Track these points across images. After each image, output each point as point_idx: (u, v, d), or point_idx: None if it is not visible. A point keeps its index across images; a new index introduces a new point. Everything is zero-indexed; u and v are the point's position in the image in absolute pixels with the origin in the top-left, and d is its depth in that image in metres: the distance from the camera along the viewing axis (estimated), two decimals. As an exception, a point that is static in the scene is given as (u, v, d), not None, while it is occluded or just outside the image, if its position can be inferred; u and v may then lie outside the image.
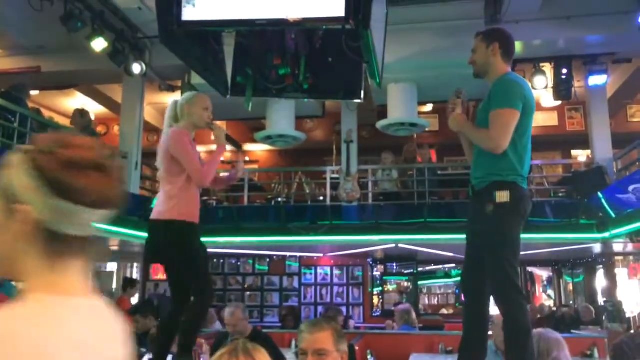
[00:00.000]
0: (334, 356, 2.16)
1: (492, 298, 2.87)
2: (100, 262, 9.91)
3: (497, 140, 2.82)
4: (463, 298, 3.14)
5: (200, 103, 3.40)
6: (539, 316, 9.37)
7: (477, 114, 3.07)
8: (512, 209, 2.81)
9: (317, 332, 2.17)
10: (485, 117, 2.91)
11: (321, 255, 10.51)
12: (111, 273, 9.93)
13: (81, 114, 7.89)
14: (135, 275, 9.82)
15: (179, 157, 3.21)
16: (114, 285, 9.69)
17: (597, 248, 8.83)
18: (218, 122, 3.55)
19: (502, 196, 2.80)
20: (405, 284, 10.96)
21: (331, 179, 9.04)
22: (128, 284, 7.89)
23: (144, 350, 4.00)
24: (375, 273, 10.87)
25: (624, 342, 4.29)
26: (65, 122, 8.31)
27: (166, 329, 3.29)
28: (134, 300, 8.18)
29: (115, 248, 9.24)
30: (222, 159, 3.52)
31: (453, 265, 11.76)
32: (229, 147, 3.65)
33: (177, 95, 9.54)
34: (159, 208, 3.25)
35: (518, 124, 2.85)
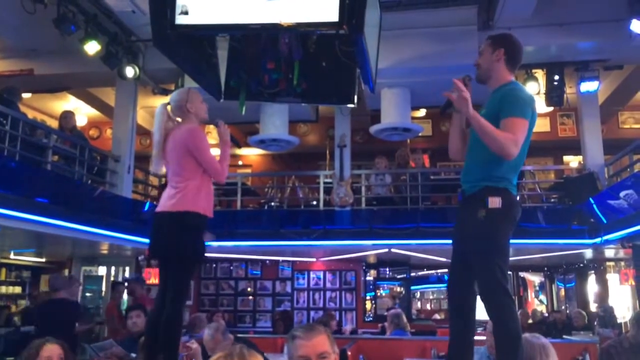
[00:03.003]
0: (332, 358, 2.13)
1: (481, 303, 2.87)
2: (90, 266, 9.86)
3: (518, 146, 2.76)
4: (449, 303, 3.11)
5: (197, 97, 3.41)
6: (530, 321, 9.40)
7: None
8: (503, 214, 2.81)
9: (316, 336, 2.12)
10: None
11: (314, 259, 10.49)
12: (101, 277, 9.86)
13: (71, 114, 7.99)
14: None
15: (199, 154, 3.22)
16: (104, 289, 9.61)
17: (588, 253, 8.87)
18: (210, 126, 3.55)
19: (494, 202, 2.79)
20: (398, 288, 10.96)
21: (324, 183, 9.04)
22: (112, 287, 7.95)
23: (134, 355, 3.97)
24: (368, 278, 10.87)
25: (612, 346, 4.32)
26: (57, 125, 8.26)
27: (153, 328, 3.22)
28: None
29: (105, 252, 9.19)
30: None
31: (446, 270, 11.76)
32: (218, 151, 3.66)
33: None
34: (178, 199, 3.18)
35: None
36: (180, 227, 3.16)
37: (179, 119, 3.38)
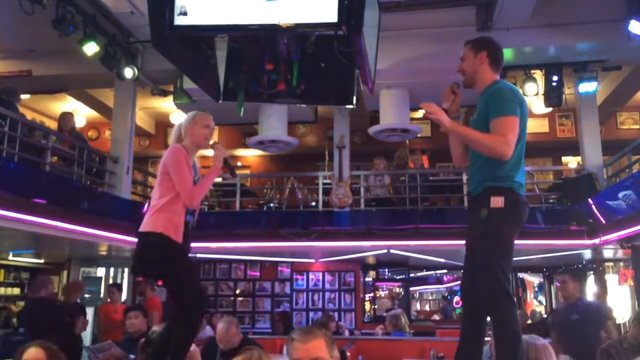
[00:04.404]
0: None
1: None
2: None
3: (510, 144, 2.76)
4: (462, 304, 3.11)
5: (201, 121, 3.40)
6: (529, 322, 9.39)
7: (471, 125, 3.03)
8: (506, 214, 2.81)
9: (311, 340, 2.12)
10: (480, 129, 2.88)
11: (313, 260, 10.48)
12: (100, 278, 9.84)
13: (70, 115, 8.02)
14: (125, 280, 9.73)
15: (171, 173, 3.21)
16: (102, 291, 9.59)
17: (587, 254, 8.87)
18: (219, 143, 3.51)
19: (497, 202, 2.79)
20: (397, 289, 10.96)
21: (323, 184, 9.04)
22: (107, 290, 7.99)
23: (132, 356, 3.96)
24: (367, 279, 10.86)
25: (611, 346, 4.32)
26: (56, 126, 8.26)
27: (162, 336, 3.25)
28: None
29: (104, 253, 9.17)
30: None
31: (445, 271, 11.78)
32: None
33: (168, 100, 9.54)
34: (145, 220, 3.26)
35: None
36: (142, 247, 3.21)
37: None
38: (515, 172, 2.88)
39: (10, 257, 11.44)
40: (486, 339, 3.35)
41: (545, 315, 10.48)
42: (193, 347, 3.75)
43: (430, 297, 12.11)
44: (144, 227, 3.21)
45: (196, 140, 3.37)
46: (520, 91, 8.27)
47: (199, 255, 9.29)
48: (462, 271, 3.09)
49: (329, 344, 2.15)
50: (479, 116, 2.95)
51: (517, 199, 2.86)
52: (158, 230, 3.13)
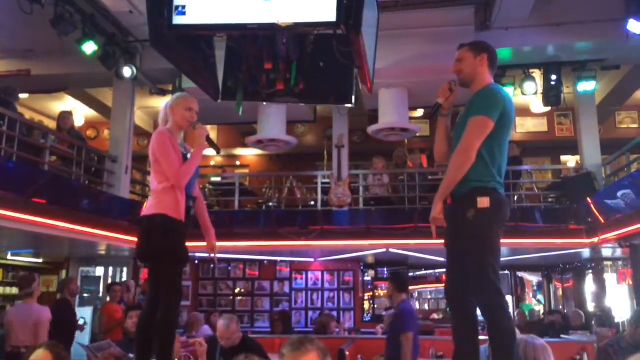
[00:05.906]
0: None
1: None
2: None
3: (470, 151, 2.86)
4: (450, 307, 3.09)
5: (183, 103, 3.44)
6: (528, 319, 9.40)
7: (456, 124, 3.10)
8: (493, 214, 2.86)
9: (302, 356, 2.02)
10: (463, 129, 2.95)
11: (312, 260, 10.48)
12: (98, 278, 9.83)
13: (69, 114, 8.01)
14: (125, 279, 9.71)
15: (158, 157, 3.26)
16: (101, 290, 9.58)
17: (586, 253, 8.88)
18: (207, 126, 3.53)
19: (484, 202, 2.84)
20: (396, 289, 10.93)
21: (322, 183, 9.04)
22: (107, 289, 7.97)
23: (132, 355, 3.96)
24: (366, 278, 10.86)
25: (609, 345, 4.33)
26: (55, 125, 8.26)
27: (144, 329, 3.24)
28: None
29: (102, 252, 9.17)
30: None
31: (444, 270, 11.76)
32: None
33: (167, 99, 9.52)
34: (147, 204, 3.33)
35: (496, 134, 2.91)
36: (149, 229, 3.24)
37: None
38: (498, 174, 2.95)
39: (9, 257, 11.43)
40: (484, 338, 3.35)
41: (543, 315, 10.48)
42: (205, 345, 3.81)
43: (429, 297, 12.11)
44: (148, 211, 3.26)
45: (178, 121, 3.41)
46: (519, 90, 8.34)
47: (198, 255, 9.28)
48: (445, 273, 3.08)
49: (321, 358, 2.06)
50: (464, 115, 3.04)
51: (501, 198, 2.92)
52: (163, 211, 3.20)
